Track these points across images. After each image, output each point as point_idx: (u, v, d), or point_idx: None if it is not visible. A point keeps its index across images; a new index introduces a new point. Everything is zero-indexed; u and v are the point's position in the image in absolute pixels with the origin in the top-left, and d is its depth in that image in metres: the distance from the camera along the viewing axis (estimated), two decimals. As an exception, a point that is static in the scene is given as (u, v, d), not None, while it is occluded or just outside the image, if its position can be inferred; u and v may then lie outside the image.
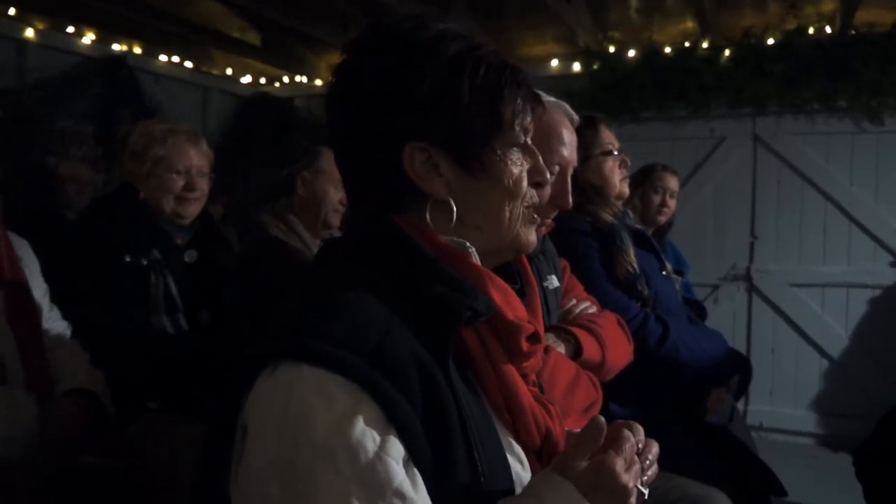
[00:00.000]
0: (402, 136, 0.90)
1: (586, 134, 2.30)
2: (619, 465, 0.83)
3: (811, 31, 4.59)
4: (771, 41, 4.66)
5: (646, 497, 0.87)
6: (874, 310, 4.57)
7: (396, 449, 0.76)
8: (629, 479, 0.84)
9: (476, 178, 0.93)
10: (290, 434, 0.75)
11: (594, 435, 0.85)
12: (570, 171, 1.66)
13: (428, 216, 0.92)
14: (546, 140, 1.59)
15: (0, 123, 4.10)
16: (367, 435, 0.74)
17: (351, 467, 0.73)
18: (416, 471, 0.77)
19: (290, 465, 0.74)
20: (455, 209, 0.92)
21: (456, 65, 0.91)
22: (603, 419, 0.86)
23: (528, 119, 0.98)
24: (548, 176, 1.01)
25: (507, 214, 0.96)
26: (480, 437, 0.84)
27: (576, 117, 1.73)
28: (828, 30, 4.57)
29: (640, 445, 0.89)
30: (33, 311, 1.88)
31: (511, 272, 1.13)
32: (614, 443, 0.86)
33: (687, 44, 4.88)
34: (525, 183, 0.97)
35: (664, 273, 2.47)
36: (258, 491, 0.76)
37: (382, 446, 0.75)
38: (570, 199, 1.66)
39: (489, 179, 0.93)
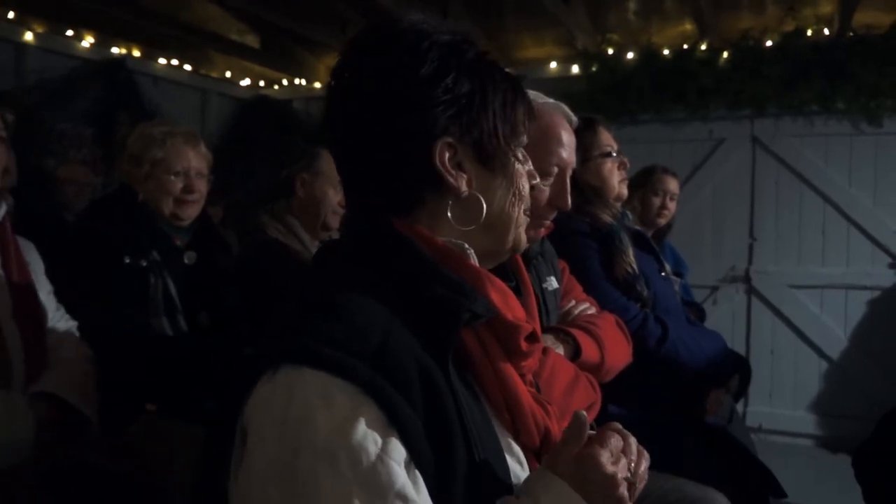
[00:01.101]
0: (431, 133, 0.91)
1: (585, 135, 2.30)
2: (605, 456, 0.84)
3: (809, 32, 4.60)
4: (769, 43, 4.66)
5: (637, 487, 0.88)
6: (873, 311, 4.57)
7: (398, 451, 0.76)
8: (615, 470, 0.84)
9: (494, 177, 0.96)
10: (291, 436, 0.75)
11: (578, 428, 0.87)
12: (568, 173, 1.65)
13: (449, 213, 0.94)
14: (545, 141, 1.59)
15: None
16: (368, 437, 0.74)
17: (353, 470, 0.73)
18: (417, 473, 0.77)
19: (291, 468, 0.74)
20: (485, 204, 0.95)
21: (476, 68, 0.94)
22: (585, 413, 0.87)
23: (528, 124, 1.02)
24: (538, 179, 1.05)
25: (516, 215, 0.99)
26: (480, 439, 0.84)
27: (574, 118, 1.73)
28: (826, 32, 4.58)
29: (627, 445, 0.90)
30: (39, 312, 1.89)
31: (505, 271, 1.14)
32: (599, 437, 0.87)
33: (685, 46, 4.89)
34: (527, 185, 1.01)
35: (663, 274, 2.48)
36: (258, 493, 0.76)
37: (384, 449, 0.75)
38: (569, 200, 1.66)
39: (505, 179, 0.97)
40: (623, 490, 0.84)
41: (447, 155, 0.92)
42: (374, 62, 0.93)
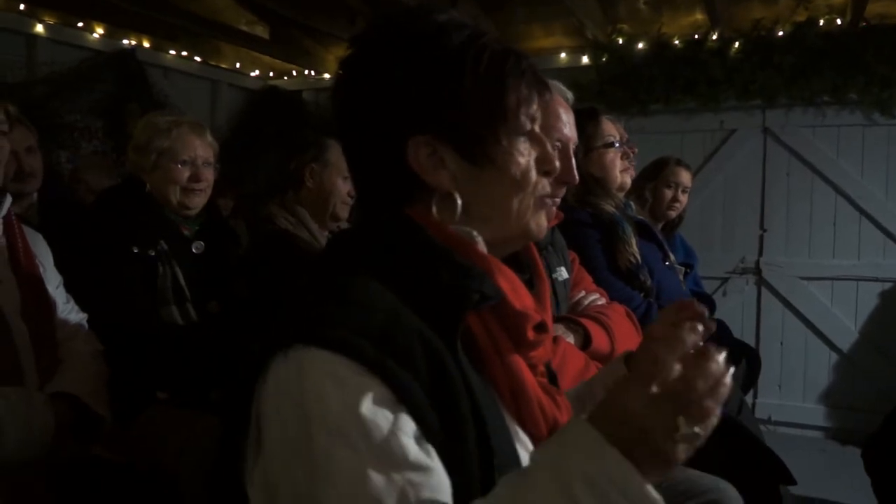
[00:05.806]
0: (405, 129, 0.90)
1: (587, 126, 2.31)
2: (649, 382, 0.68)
3: (821, 22, 4.55)
4: (781, 33, 4.62)
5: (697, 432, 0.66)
6: (884, 303, 4.54)
7: (409, 425, 0.76)
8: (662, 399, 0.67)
9: (482, 170, 0.92)
10: (304, 416, 0.75)
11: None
12: (571, 148, 1.66)
13: (434, 209, 0.92)
14: (544, 119, 1.59)
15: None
16: (378, 414, 0.75)
17: (366, 444, 0.73)
18: (430, 446, 0.77)
19: (308, 446, 0.74)
20: (460, 202, 0.92)
21: (458, 56, 0.90)
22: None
23: (535, 107, 0.96)
24: (556, 164, 0.99)
25: (516, 206, 0.95)
26: (490, 418, 0.83)
27: (569, 94, 1.76)
28: (838, 22, 4.53)
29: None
30: (48, 306, 1.88)
31: (520, 262, 1.13)
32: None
33: (696, 36, 4.85)
34: (533, 173, 0.96)
35: (667, 263, 2.47)
36: (279, 472, 0.77)
37: (395, 423, 0.75)
38: (576, 175, 1.66)
39: (495, 171, 0.92)
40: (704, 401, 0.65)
41: (424, 152, 0.90)
42: (357, 60, 0.94)
